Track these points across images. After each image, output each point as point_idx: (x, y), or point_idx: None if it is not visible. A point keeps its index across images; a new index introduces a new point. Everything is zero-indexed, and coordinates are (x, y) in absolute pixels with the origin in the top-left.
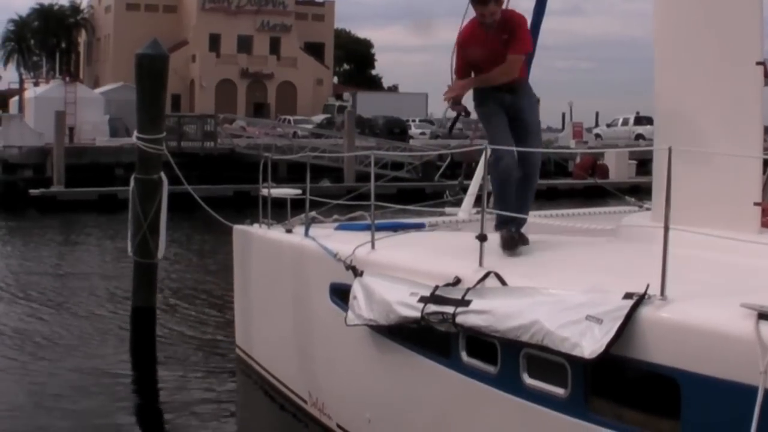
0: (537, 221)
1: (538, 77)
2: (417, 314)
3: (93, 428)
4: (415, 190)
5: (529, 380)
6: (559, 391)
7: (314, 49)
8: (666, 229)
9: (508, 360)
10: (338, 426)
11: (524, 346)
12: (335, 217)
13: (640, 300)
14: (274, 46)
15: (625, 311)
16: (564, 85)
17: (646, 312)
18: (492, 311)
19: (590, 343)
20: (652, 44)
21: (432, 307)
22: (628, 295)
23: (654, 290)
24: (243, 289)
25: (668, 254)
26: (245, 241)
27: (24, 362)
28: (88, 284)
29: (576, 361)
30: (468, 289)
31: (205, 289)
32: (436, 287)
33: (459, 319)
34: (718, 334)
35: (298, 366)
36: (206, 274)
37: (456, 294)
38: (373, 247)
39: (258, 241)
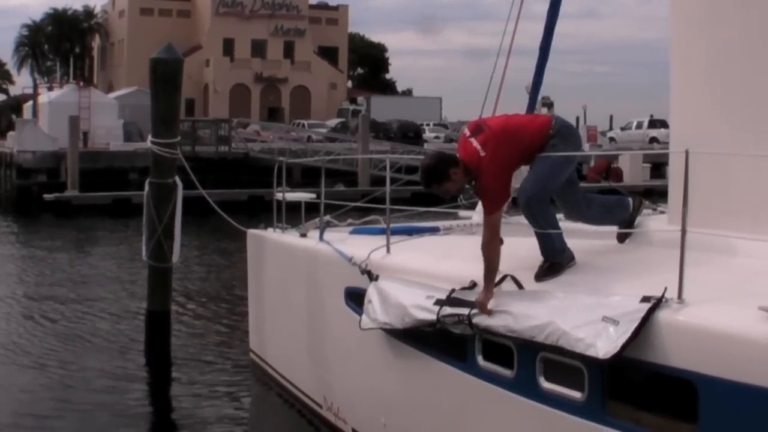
0: None
1: (553, 81)
2: (433, 317)
3: (106, 430)
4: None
5: (545, 384)
6: (576, 394)
7: (328, 54)
8: (683, 231)
9: (525, 364)
10: (353, 430)
11: (540, 349)
12: (349, 221)
13: (657, 303)
14: (288, 51)
15: (642, 313)
16: (578, 88)
17: (663, 315)
18: (508, 312)
19: (605, 344)
20: (667, 47)
21: (448, 310)
22: (645, 299)
23: (671, 293)
24: (257, 294)
25: (685, 257)
26: (259, 246)
27: (39, 364)
28: (103, 288)
29: (591, 362)
30: None
31: (219, 294)
32: (452, 290)
33: (475, 320)
34: (736, 337)
35: (313, 370)
36: (220, 278)
37: (472, 296)
38: (388, 251)
39: (272, 245)
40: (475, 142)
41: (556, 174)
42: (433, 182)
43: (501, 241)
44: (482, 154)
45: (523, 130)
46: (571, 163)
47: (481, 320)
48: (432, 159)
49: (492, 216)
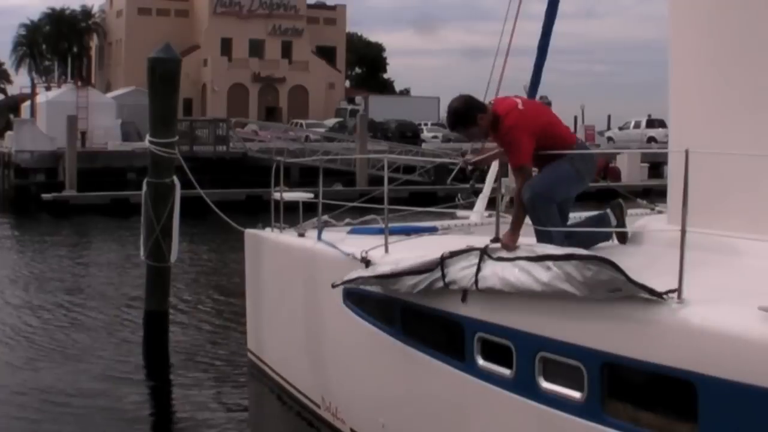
0: None
1: (550, 80)
2: (437, 257)
3: (103, 430)
4: (427, 194)
5: (545, 384)
6: (576, 394)
7: (326, 53)
8: (683, 231)
9: (524, 364)
10: (351, 430)
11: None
12: (347, 220)
13: (657, 295)
14: (286, 50)
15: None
16: (576, 88)
17: (662, 314)
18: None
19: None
20: (665, 47)
21: (458, 249)
22: (645, 298)
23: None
24: (255, 293)
25: (685, 257)
26: (257, 245)
27: (36, 365)
28: (101, 288)
29: (589, 358)
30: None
31: (217, 293)
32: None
33: (488, 252)
34: (736, 337)
35: (310, 370)
36: (218, 278)
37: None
38: (386, 250)
39: (270, 244)
40: (517, 100)
41: (564, 182)
42: (458, 124)
43: (499, 240)
44: (521, 107)
45: (557, 124)
46: (579, 183)
47: (495, 251)
48: (461, 102)
49: (520, 168)
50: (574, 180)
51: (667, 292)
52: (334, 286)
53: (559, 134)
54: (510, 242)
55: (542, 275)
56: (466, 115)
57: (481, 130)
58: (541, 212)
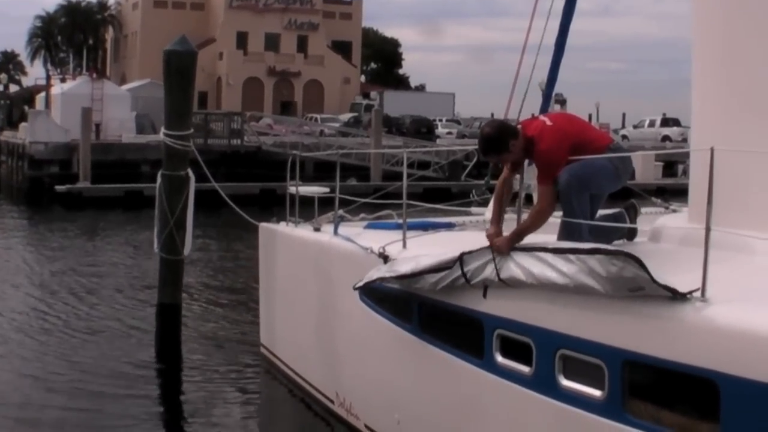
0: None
1: (567, 78)
2: (455, 255)
3: (115, 424)
4: (441, 190)
5: (564, 382)
6: (596, 393)
7: (342, 48)
8: (707, 230)
9: (544, 361)
10: (366, 426)
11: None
12: (362, 215)
13: (680, 296)
14: (302, 45)
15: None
16: (592, 85)
17: (685, 313)
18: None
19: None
20: (682, 46)
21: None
22: (670, 295)
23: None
24: (268, 288)
25: (709, 255)
26: (271, 239)
27: (48, 357)
28: (114, 280)
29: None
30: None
31: (231, 287)
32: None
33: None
34: (759, 337)
35: (325, 366)
36: (232, 271)
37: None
38: (404, 246)
39: (284, 239)
40: (543, 117)
41: (600, 175)
42: (491, 152)
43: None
44: (549, 123)
45: (588, 129)
46: (615, 180)
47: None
48: (493, 129)
49: (546, 187)
50: (611, 175)
51: (690, 292)
52: (355, 288)
53: (590, 140)
54: (503, 246)
55: (564, 268)
56: (499, 141)
57: (513, 156)
58: (574, 197)
